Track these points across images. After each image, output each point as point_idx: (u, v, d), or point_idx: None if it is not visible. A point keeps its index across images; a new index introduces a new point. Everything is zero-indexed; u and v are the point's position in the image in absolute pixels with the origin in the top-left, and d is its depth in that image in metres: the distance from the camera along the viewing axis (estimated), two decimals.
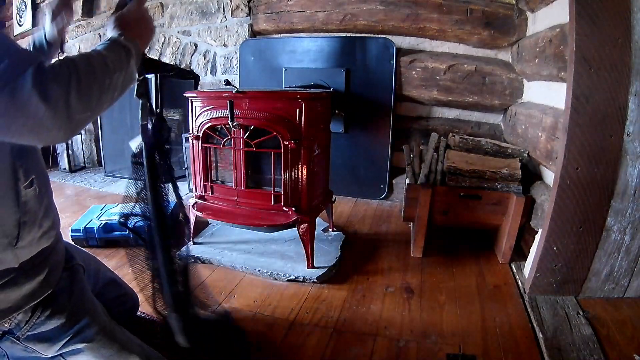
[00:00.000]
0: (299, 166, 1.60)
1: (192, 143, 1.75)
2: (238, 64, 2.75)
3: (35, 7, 3.58)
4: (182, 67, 3.01)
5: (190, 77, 2.96)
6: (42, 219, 0.76)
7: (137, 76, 0.74)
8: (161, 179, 0.90)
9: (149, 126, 0.87)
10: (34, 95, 0.51)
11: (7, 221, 0.69)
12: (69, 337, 0.79)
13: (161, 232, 0.91)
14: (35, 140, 0.61)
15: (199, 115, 1.70)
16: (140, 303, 1.29)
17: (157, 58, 3.04)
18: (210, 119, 1.66)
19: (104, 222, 1.93)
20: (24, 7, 3.64)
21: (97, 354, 0.82)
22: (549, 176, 1.69)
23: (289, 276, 1.63)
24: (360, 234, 2.11)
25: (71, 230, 1.88)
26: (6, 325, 0.73)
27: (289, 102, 1.56)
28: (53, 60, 0.60)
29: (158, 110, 0.91)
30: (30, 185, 0.73)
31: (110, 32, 0.72)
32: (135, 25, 0.73)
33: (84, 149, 3.56)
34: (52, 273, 0.79)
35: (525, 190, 1.74)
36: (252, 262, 1.72)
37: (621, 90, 1.28)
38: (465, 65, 2.27)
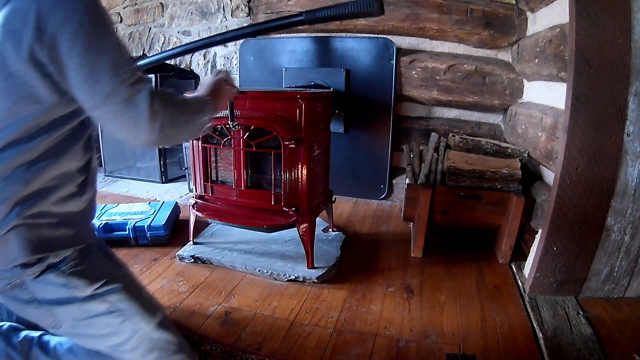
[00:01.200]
0: (299, 166, 1.60)
1: (192, 143, 1.75)
2: (238, 64, 2.75)
3: None
4: (182, 67, 3.01)
5: (190, 77, 2.96)
6: (93, 185, 0.94)
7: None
8: None
9: None
10: (145, 114, 0.74)
11: (80, 177, 0.87)
12: (106, 280, 0.89)
13: None
14: (125, 137, 0.80)
15: None
16: None
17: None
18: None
19: (104, 222, 1.93)
20: None
21: (129, 296, 0.91)
22: (549, 176, 1.69)
23: (289, 276, 1.63)
24: (360, 234, 2.12)
25: None
26: (56, 259, 0.83)
27: (289, 102, 1.56)
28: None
29: None
30: (94, 159, 0.94)
31: (198, 91, 1.08)
32: (212, 90, 1.07)
33: None
34: (92, 231, 0.95)
35: (525, 190, 1.74)
36: (252, 262, 1.72)
37: (621, 90, 1.28)
38: (465, 65, 2.27)
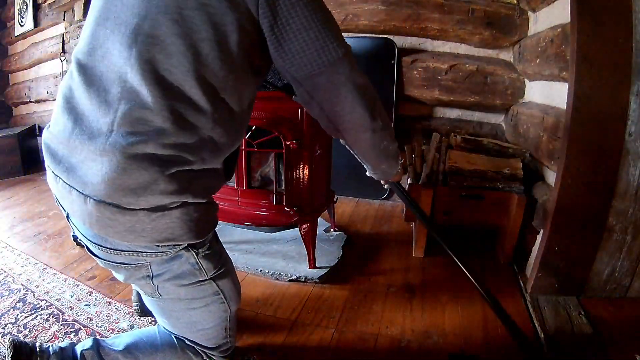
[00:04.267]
0: (301, 166, 1.60)
1: None
2: None
3: (36, 7, 3.59)
4: None
5: None
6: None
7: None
8: None
9: None
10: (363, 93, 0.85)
11: (221, 183, 0.94)
12: (222, 264, 0.95)
13: None
14: (338, 112, 0.86)
15: None
16: None
17: None
18: None
19: None
20: (25, 7, 3.65)
21: (232, 282, 0.99)
22: (551, 176, 1.69)
23: (291, 276, 1.63)
24: (362, 234, 2.12)
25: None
26: (197, 240, 0.85)
27: (291, 102, 1.56)
28: None
29: None
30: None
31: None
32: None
33: None
34: None
35: (527, 190, 1.74)
36: (254, 262, 1.73)
37: (623, 90, 1.28)
38: (467, 65, 2.27)
